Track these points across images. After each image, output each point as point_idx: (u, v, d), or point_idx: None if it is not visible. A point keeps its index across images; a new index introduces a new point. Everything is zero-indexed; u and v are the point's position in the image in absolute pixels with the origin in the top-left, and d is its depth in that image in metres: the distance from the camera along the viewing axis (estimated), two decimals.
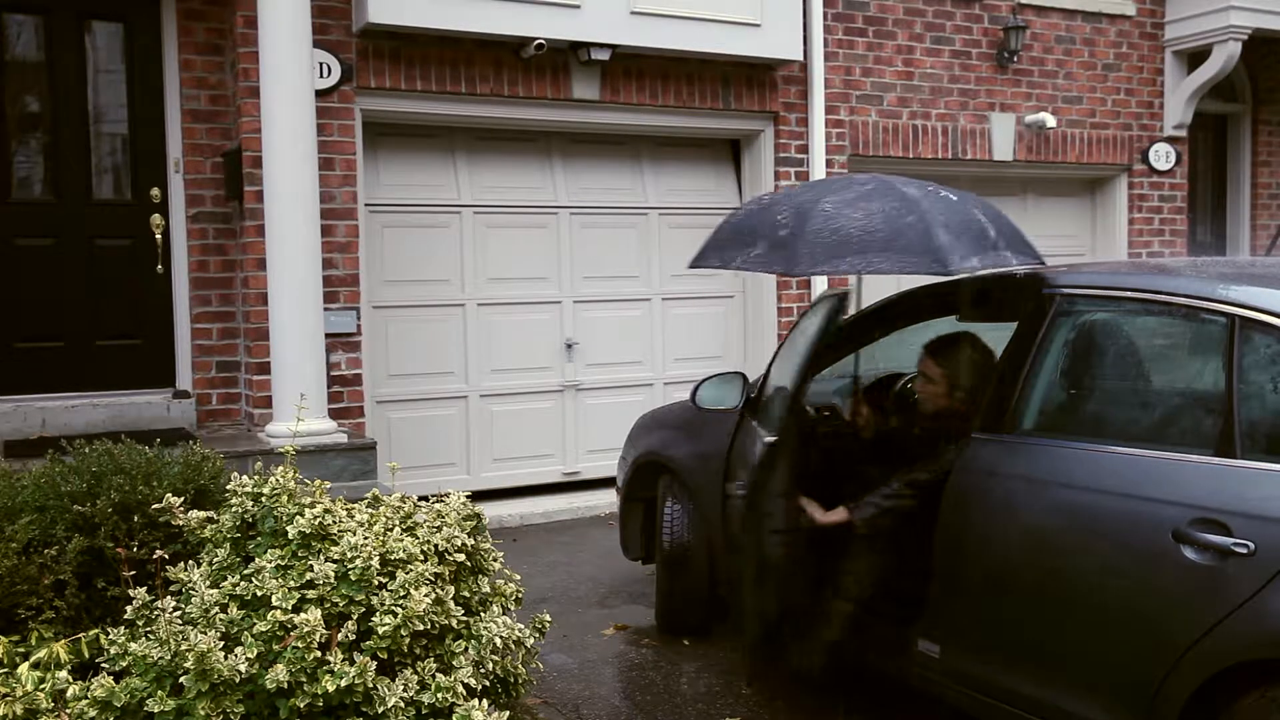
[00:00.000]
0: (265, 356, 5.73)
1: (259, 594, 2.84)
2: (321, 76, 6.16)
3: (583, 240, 7.33)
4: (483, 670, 2.97)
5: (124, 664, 2.79)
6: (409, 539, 3.01)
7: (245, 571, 2.95)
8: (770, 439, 3.51)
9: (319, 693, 2.68)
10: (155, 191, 6.21)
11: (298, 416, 4.56)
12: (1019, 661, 3.11)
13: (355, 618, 2.83)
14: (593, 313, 7.38)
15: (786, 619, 3.74)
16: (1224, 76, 9.11)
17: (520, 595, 3.32)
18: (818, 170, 7.73)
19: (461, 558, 3.09)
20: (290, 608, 2.78)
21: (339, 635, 2.78)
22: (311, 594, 2.83)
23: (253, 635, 2.75)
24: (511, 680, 3.20)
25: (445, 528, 3.11)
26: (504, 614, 3.19)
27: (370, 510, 3.24)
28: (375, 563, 2.88)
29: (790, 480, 3.61)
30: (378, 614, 2.81)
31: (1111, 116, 9.07)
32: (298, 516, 2.99)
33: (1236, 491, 2.65)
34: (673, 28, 6.98)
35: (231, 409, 6.35)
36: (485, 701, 2.82)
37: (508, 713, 2.83)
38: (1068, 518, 2.99)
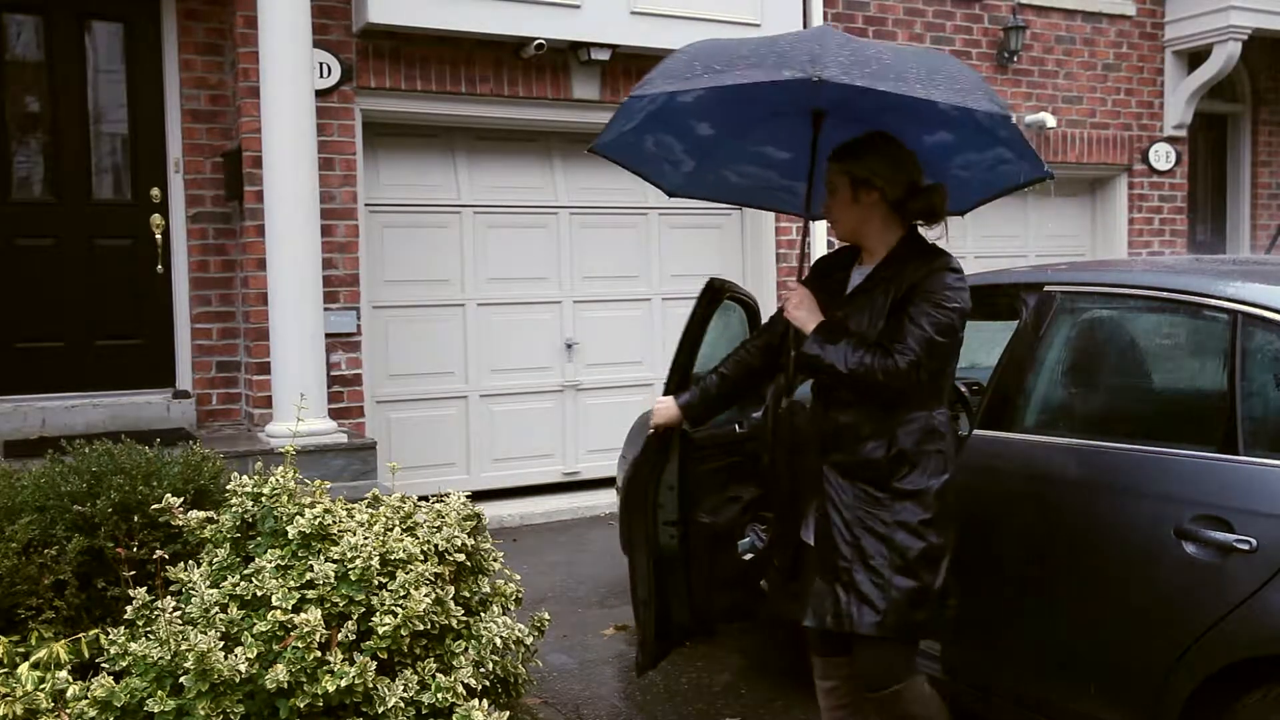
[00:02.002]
0: (265, 356, 5.73)
1: (259, 594, 2.84)
2: (321, 76, 6.16)
3: (583, 240, 7.33)
4: (483, 670, 2.97)
5: (124, 664, 2.78)
6: (409, 539, 3.01)
7: (245, 571, 2.95)
8: (650, 431, 3.46)
9: (319, 693, 2.67)
10: (155, 191, 6.21)
11: (298, 416, 4.56)
12: (1020, 659, 3.11)
13: (355, 618, 2.82)
14: (593, 313, 7.38)
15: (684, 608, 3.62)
16: (1224, 76, 9.11)
17: (520, 595, 3.32)
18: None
19: (461, 558, 3.08)
20: (290, 608, 2.78)
21: (339, 635, 2.77)
22: (311, 594, 2.83)
23: (253, 635, 2.74)
24: (511, 680, 3.20)
25: (445, 528, 3.11)
26: (504, 614, 3.18)
27: (370, 510, 3.24)
28: (375, 563, 2.88)
29: (682, 473, 3.54)
30: (378, 614, 2.81)
31: (1111, 116, 9.07)
32: (298, 516, 2.99)
33: (1238, 488, 2.64)
34: (673, 27, 6.98)
35: (231, 409, 6.35)
36: (485, 701, 2.82)
37: (508, 713, 2.83)
38: (1070, 515, 2.99)
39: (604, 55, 6.85)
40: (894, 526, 2.72)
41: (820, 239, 7.68)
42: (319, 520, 2.99)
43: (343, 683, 2.67)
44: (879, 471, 2.75)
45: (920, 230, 2.92)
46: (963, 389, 3.94)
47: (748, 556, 3.87)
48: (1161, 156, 9.24)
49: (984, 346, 4.22)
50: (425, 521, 3.15)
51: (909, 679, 2.81)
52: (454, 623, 2.94)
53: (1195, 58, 9.16)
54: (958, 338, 2.77)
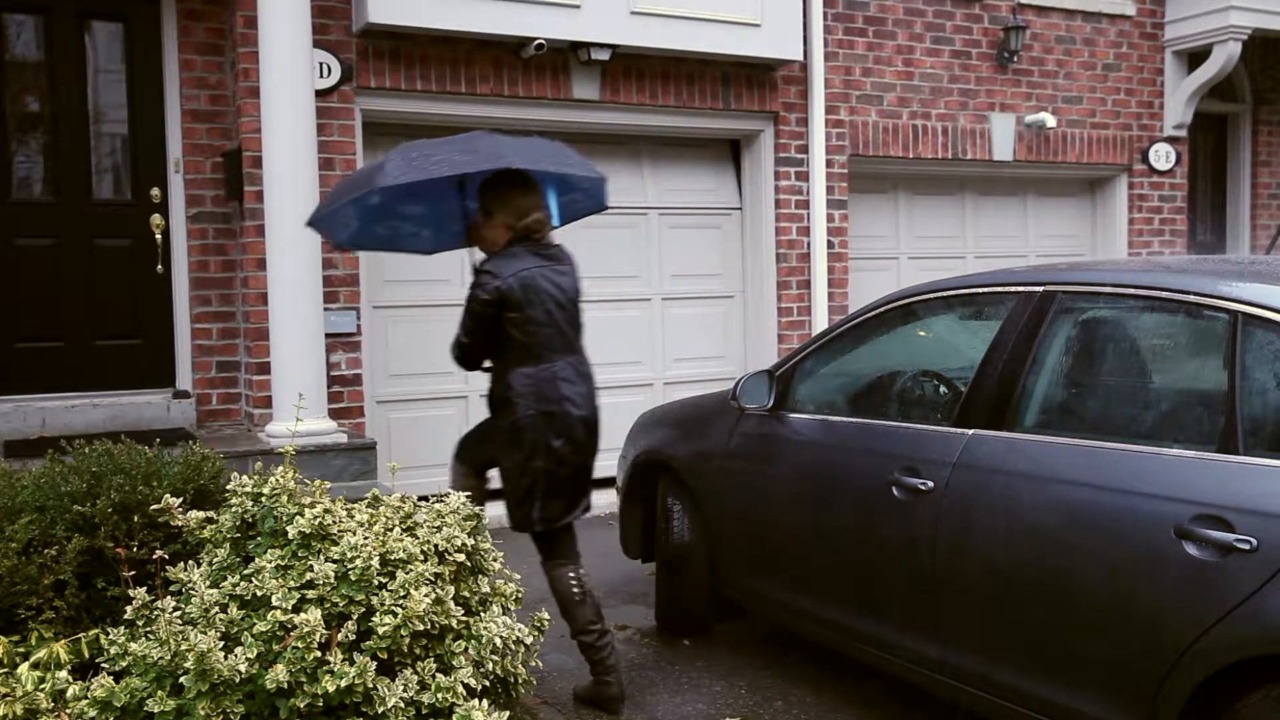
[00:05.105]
0: (265, 356, 5.73)
1: (259, 594, 2.84)
2: (321, 76, 6.16)
3: (582, 240, 7.29)
4: (483, 670, 2.96)
5: (124, 664, 2.78)
6: (409, 539, 3.01)
7: (245, 571, 2.94)
8: None
9: (319, 693, 2.67)
10: (155, 191, 6.21)
11: (297, 416, 4.56)
12: (1022, 659, 3.11)
13: (355, 618, 2.82)
14: (592, 313, 7.25)
15: None
16: (1224, 76, 9.11)
17: (520, 595, 3.32)
18: (818, 170, 7.71)
19: (461, 558, 3.08)
20: (290, 608, 2.78)
21: (339, 635, 2.77)
22: (311, 594, 2.83)
23: (253, 635, 2.74)
24: (511, 680, 3.20)
25: (445, 528, 3.10)
26: (504, 614, 3.18)
27: (370, 510, 3.24)
28: (375, 563, 2.88)
29: None
30: (378, 614, 2.81)
31: (1111, 116, 9.07)
32: (298, 516, 2.99)
33: (1238, 488, 2.64)
34: (673, 27, 6.98)
35: (231, 409, 6.35)
36: (485, 701, 2.82)
37: (508, 713, 2.82)
38: (1069, 514, 2.99)
39: (604, 55, 6.85)
40: (502, 446, 3.90)
41: (820, 238, 7.68)
42: (319, 520, 2.98)
43: (343, 683, 2.67)
44: (490, 408, 4.04)
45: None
46: None
47: None
48: (1161, 156, 9.24)
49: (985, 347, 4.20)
50: (425, 521, 3.15)
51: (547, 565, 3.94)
52: (454, 623, 2.94)
53: (1195, 58, 9.16)
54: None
